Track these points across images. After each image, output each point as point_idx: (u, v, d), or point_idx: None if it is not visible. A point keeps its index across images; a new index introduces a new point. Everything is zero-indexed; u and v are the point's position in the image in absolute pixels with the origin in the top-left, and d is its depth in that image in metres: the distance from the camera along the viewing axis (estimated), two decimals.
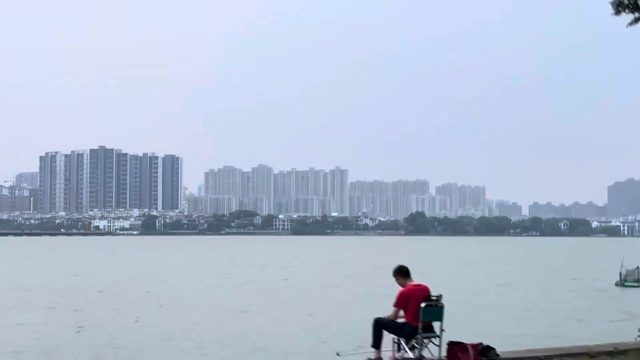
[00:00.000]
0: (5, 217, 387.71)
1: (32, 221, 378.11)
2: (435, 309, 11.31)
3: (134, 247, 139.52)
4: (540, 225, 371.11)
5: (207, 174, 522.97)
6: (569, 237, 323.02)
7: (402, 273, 11.77)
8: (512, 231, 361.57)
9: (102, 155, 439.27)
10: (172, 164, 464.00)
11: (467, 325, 20.33)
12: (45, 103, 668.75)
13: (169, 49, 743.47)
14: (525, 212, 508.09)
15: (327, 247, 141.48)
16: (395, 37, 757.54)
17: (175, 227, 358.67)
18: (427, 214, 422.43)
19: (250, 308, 29.08)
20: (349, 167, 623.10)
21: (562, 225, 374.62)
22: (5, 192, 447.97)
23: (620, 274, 43.66)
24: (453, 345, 11.11)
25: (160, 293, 36.44)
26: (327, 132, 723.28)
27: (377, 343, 11.49)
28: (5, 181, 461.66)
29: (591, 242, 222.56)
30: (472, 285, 43.76)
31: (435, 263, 72.51)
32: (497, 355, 11.26)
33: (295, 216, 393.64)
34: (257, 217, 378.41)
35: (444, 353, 11.26)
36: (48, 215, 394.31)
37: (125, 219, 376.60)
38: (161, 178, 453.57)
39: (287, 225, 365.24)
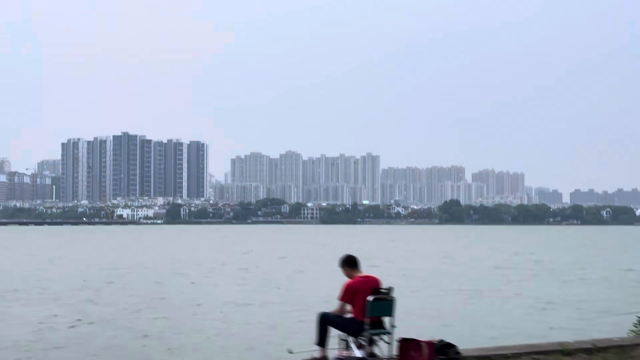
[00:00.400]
0: (27, 205, 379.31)
1: (54, 210, 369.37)
2: (385, 303, 10.37)
3: (154, 236, 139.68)
4: (581, 214, 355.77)
5: (233, 161, 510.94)
6: (611, 225, 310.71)
7: (349, 263, 10.75)
8: (551, 220, 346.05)
9: (125, 142, 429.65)
10: (198, 150, 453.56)
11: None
12: (68, 89, 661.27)
13: (195, 34, 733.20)
14: (566, 199, 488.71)
15: (354, 236, 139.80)
16: (430, 22, 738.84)
17: (201, 216, 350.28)
18: (463, 201, 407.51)
19: (248, 301, 28.78)
20: (381, 153, 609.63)
21: (605, 213, 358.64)
22: (27, 180, 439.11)
23: None
24: (405, 343, 10.08)
25: (166, 285, 36.16)
26: (358, 118, 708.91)
27: (322, 340, 10.53)
28: (27, 169, 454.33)
29: (636, 230, 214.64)
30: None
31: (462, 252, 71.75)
32: (458, 353, 10.31)
33: (324, 204, 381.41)
34: (285, 205, 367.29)
35: (394, 351, 10.24)
36: (70, 204, 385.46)
37: (149, 208, 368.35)
38: (186, 165, 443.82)
39: (316, 213, 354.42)
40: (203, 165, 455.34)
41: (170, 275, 42.23)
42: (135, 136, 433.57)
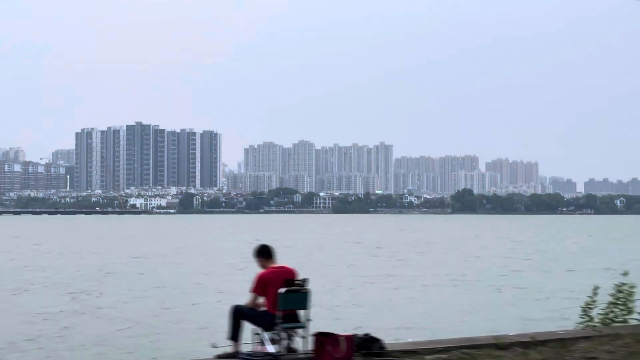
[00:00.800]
0: (41, 195, 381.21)
1: (68, 199, 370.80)
2: (298, 296, 10.01)
3: (161, 226, 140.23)
4: (594, 203, 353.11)
5: (246, 150, 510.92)
6: (625, 215, 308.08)
7: (263, 254, 10.41)
8: (564, 209, 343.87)
9: (138, 131, 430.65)
10: (211, 140, 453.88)
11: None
12: (81, 79, 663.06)
13: (207, 25, 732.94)
14: (580, 188, 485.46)
15: (363, 226, 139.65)
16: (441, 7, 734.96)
17: (214, 206, 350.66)
18: (477, 191, 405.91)
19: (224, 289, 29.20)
20: (394, 142, 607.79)
21: (619, 202, 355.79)
22: (41, 169, 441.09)
23: None
24: (321, 337, 9.71)
25: (152, 276, 36.56)
26: (370, 107, 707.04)
27: (234, 335, 10.14)
28: (41, 159, 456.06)
29: None
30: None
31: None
32: (382, 347, 10.03)
33: (336, 194, 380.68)
34: (297, 194, 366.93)
35: (310, 346, 9.89)
36: (84, 194, 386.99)
37: (162, 197, 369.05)
38: (199, 155, 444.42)
39: (329, 203, 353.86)
40: (216, 154, 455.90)
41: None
42: (149, 126, 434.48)
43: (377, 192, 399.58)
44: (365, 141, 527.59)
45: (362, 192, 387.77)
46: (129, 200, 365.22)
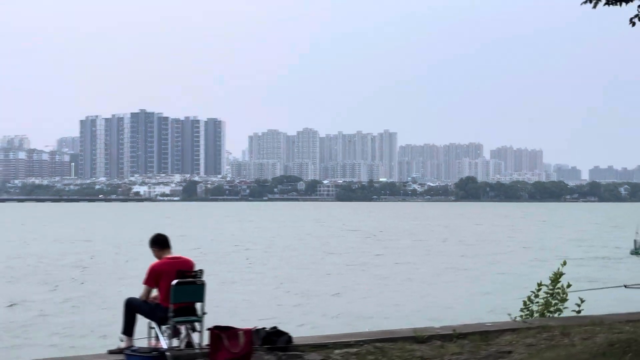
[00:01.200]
0: (45, 182, 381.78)
1: (72, 187, 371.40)
2: (192, 288, 9.55)
3: (156, 213, 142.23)
4: (598, 190, 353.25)
5: (251, 138, 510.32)
6: (629, 202, 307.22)
7: (158, 243, 9.89)
8: (568, 197, 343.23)
9: (142, 119, 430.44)
10: (215, 127, 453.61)
11: None
12: (85, 66, 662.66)
13: (209, 16, 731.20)
14: (585, 176, 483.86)
15: (362, 213, 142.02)
16: None
17: (217, 193, 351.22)
18: (481, 178, 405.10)
19: None
20: (398, 130, 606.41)
21: (623, 189, 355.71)
22: (45, 157, 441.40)
23: (635, 241, 42.95)
24: (218, 331, 9.20)
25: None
26: (374, 94, 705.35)
27: (128, 329, 9.61)
28: (46, 146, 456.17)
29: None
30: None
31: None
32: (289, 342, 9.66)
33: (340, 182, 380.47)
34: (301, 182, 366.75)
35: (205, 340, 9.43)
36: (88, 181, 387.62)
37: (166, 185, 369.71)
38: (203, 142, 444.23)
39: (332, 191, 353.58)
40: (220, 142, 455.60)
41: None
42: (152, 113, 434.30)
43: (381, 180, 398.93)
44: (369, 129, 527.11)
45: (366, 180, 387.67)
46: (132, 187, 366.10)
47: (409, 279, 31.64)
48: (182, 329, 9.59)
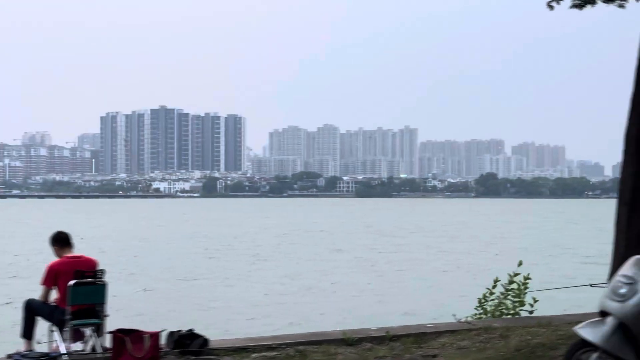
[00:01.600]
0: (66, 179, 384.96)
1: (92, 183, 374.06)
2: (91, 289, 9.21)
3: (169, 209, 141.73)
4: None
5: (271, 134, 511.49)
6: None
7: (58, 241, 9.55)
8: (590, 193, 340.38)
9: (162, 115, 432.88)
10: (235, 124, 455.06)
11: None
12: (107, 62, 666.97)
13: (223, 16, 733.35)
14: (608, 172, 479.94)
15: (376, 210, 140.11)
16: None
17: (237, 189, 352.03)
18: (502, 174, 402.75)
19: None
20: (419, 126, 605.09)
21: None
22: (66, 153, 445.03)
23: None
24: (121, 335, 8.79)
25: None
26: (395, 90, 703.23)
27: (27, 332, 9.29)
28: (67, 142, 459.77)
29: None
30: None
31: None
32: (203, 345, 9.14)
33: (360, 178, 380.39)
34: (321, 178, 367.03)
35: (107, 344, 9.08)
36: (108, 177, 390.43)
37: (186, 181, 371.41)
38: (224, 138, 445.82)
39: (352, 187, 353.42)
40: (240, 138, 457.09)
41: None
42: (173, 110, 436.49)
43: (401, 176, 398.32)
44: (390, 125, 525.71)
45: (386, 177, 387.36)
46: (152, 184, 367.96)
47: (380, 276, 31.37)
48: (87, 331, 9.19)
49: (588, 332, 6.61)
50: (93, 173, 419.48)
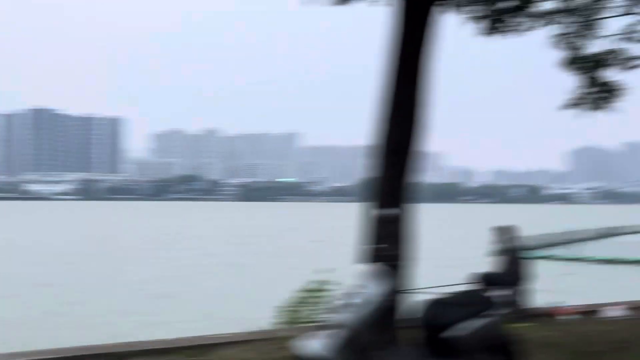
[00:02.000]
0: None
1: None
2: None
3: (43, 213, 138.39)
4: (495, 192, 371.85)
5: (152, 137, 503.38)
6: (524, 204, 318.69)
7: None
8: (462, 198, 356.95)
9: (38, 116, 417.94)
10: (113, 126, 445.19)
11: None
12: None
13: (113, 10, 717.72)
14: (487, 178, 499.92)
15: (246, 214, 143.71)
16: None
17: (116, 192, 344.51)
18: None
19: None
20: (301, 130, 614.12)
21: (519, 191, 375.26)
22: None
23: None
24: None
25: None
26: (278, 96, 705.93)
27: None
28: None
29: (542, 208, 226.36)
30: None
31: None
32: None
33: (243, 181, 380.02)
34: (203, 182, 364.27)
35: None
36: None
37: (63, 183, 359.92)
38: (102, 140, 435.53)
39: (234, 190, 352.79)
40: (120, 141, 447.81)
41: None
42: (48, 110, 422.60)
43: (283, 180, 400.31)
44: (273, 129, 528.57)
45: (269, 180, 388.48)
46: (28, 185, 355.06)
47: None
48: None
49: (315, 347, 6.55)
50: None
